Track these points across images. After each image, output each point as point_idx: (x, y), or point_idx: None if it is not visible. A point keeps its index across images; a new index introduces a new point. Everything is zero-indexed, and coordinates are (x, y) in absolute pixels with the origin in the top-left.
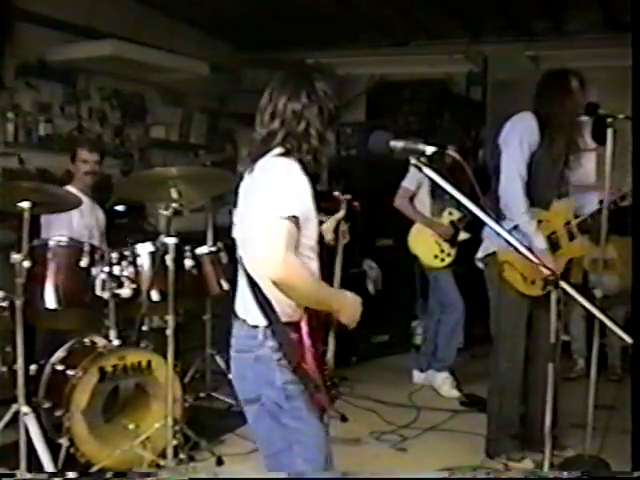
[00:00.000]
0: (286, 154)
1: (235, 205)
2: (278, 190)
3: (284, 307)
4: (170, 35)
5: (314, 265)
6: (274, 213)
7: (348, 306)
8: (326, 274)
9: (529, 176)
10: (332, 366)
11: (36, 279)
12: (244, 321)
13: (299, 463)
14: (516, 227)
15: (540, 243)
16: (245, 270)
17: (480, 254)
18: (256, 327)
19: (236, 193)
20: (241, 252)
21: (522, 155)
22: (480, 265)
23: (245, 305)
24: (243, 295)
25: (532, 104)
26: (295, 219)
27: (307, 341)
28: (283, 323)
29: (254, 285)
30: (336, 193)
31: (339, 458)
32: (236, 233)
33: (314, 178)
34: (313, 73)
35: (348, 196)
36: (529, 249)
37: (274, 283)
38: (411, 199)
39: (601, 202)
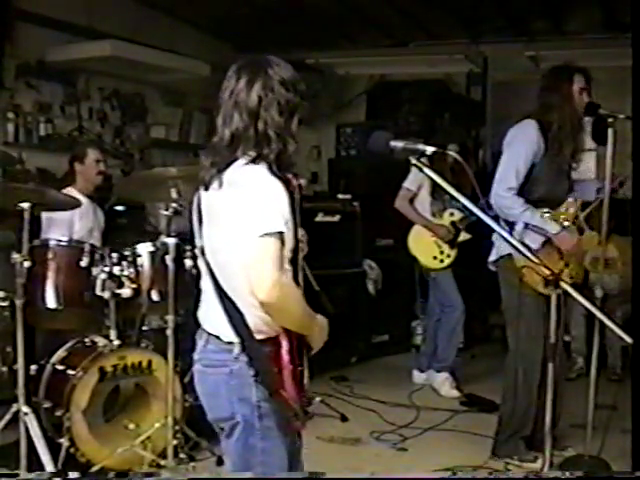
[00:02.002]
0: (254, 162)
1: (200, 222)
2: (259, 205)
3: (258, 324)
4: (170, 35)
5: (290, 276)
6: (259, 231)
7: (322, 330)
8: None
9: (536, 180)
10: (307, 386)
11: (36, 279)
12: (217, 337)
13: None
14: (527, 226)
15: (552, 228)
16: (218, 286)
17: (493, 257)
18: (231, 343)
19: (199, 208)
20: (215, 270)
21: (515, 168)
22: (493, 268)
23: (217, 321)
24: (214, 311)
25: (537, 102)
26: (281, 235)
27: (286, 358)
28: (257, 340)
29: (229, 302)
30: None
31: (339, 458)
32: (207, 249)
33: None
34: (266, 61)
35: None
36: (529, 249)
37: (262, 305)
38: (412, 200)
39: (598, 191)
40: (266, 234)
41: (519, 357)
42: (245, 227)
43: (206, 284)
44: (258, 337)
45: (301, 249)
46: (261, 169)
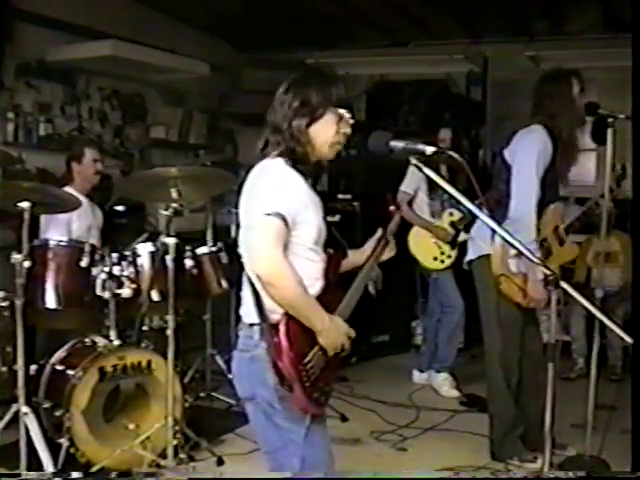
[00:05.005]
0: (280, 156)
1: (236, 207)
2: (265, 189)
3: (276, 306)
4: (170, 35)
5: (316, 268)
6: (261, 211)
7: (331, 331)
8: (331, 283)
9: None
10: (316, 368)
11: (36, 279)
12: (243, 320)
13: (295, 462)
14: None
15: (537, 275)
16: (247, 272)
17: (471, 256)
18: (252, 326)
19: (238, 199)
20: (243, 254)
21: (538, 179)
22: (467, 267)
23: (245, 305)
24: (245, 296)
25: (534, 111)
26: (281, 216)
27: (284, 342)
28: (270, 323)
29: (253, 285)
30: (392, 208)
31: (339, 458)
32: (240, 238)
33: (314, 180)
34: (311, 76)
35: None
36: (529, 250)
37: (258, 278)
38: (410, 202)
39: (597, 202)
40: (267, 214)
41: (496, 358)
42: (254, 209)
43: (244, 273)
44: (273, 316)
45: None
46: (281, 161)
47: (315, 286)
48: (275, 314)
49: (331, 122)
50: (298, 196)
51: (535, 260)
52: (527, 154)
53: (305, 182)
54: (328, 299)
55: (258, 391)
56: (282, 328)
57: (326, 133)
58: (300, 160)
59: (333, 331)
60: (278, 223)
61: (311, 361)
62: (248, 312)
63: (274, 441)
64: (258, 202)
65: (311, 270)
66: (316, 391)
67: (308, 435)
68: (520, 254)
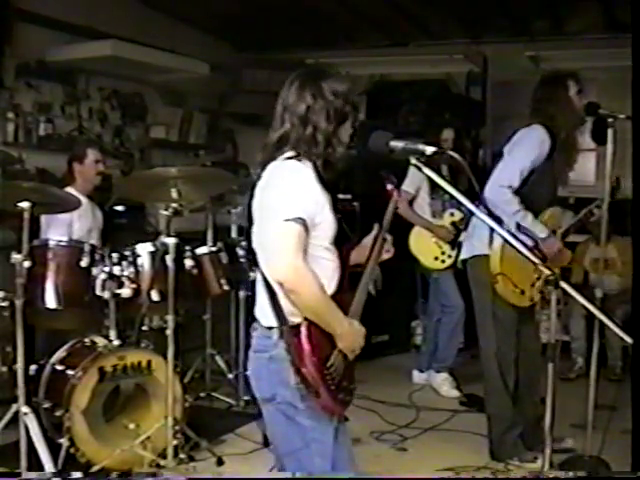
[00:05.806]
0: (295, 157)
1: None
2: (283, 193)
3: (293, 309)
4: (170, 35)
5: (331, 266)
6: (281, 216)
7: (350, 335)
8: (346, 280)
9: (528, 187)
10: (339, 370)
11: (36, 279)
12: (259, 322)
13: (317, 461)
14: (519, 227)
15: (541, 232)
16: (262, 273)
17: (465, 255)
18: (270, 328)
19: (251, 199)
20: (259, 256)
21: (521, 170)
22: (461, 266)
23: (261, 307)
24: (261, 297)
25: (533, 114)
26: (302, 221)
27: (306, 345)
28: (289, 326)
29: (269, 287)
30: (389, 186)
31: None
32: (254, 239)
33: (332, 180)
34: (320, 72)
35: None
36: (529, 249)
37: (280, 284)
38: (411, 202)
39: (595, 208)
40: (287, 219)
41: (492, 357)
42: (271, 213)
43: (258, 273)
44: (292, 319)
45: (386, 251)
46: (297, 163)
47: (331, 285)
48: (294, 317)
49: (349, 123)
50: (315, 197)
51: (535, 261)
52: (521, 146)
53: (319, 181)
54: (342, 299)
55: (278, 391)
56: (304, 331)
57: (345, 135)
58: (331, 162)
59: (351, 334)
60: (298, 228)
61: (334, 364)
62: (264, 314)
63: (295, 441)
64: (276, 205)
65: (327, 269)
66: (341, 392)
67: (337, 436)
68: (518, 251)
